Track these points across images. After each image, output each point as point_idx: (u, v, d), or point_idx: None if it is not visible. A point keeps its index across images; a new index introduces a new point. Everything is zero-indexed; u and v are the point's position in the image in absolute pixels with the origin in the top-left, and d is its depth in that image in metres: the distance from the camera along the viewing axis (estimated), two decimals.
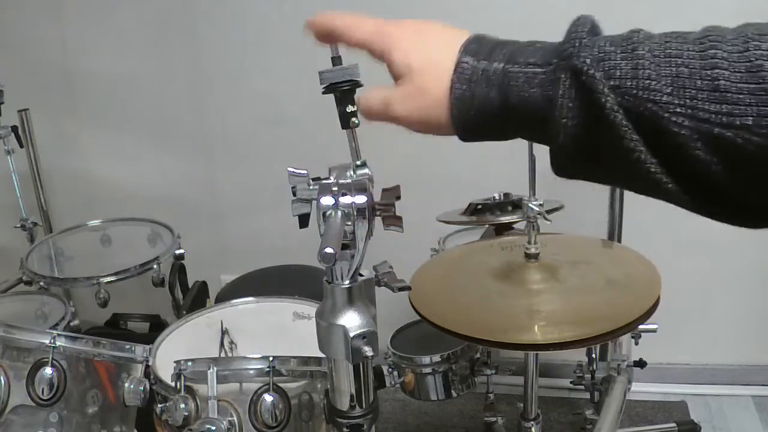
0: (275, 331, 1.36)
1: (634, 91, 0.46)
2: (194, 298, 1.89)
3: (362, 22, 0.61)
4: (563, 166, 0.52)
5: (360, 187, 0.69)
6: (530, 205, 1.36)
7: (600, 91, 0.46)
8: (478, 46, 0.55)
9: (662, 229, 1.85)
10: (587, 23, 0.51)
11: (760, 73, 0.43)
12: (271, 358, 1.12)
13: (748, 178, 0.44)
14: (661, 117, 0.45)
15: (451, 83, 0.54)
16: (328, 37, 0.65)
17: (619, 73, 0.46)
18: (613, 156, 0.48)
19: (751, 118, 0.42)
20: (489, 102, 0.53)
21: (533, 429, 1.64)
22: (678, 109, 0.45)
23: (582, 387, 1.84)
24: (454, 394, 1.65)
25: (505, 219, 1.62)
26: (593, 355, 1.82)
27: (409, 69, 0.57)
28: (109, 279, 1.74)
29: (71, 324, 1.62)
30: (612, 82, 0.46)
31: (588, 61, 0.47)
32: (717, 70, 0.44)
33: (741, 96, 0.43)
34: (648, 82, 0.45)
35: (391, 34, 0.59)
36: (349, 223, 0.68)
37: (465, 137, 0.56)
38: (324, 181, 0.70)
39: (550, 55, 0.51)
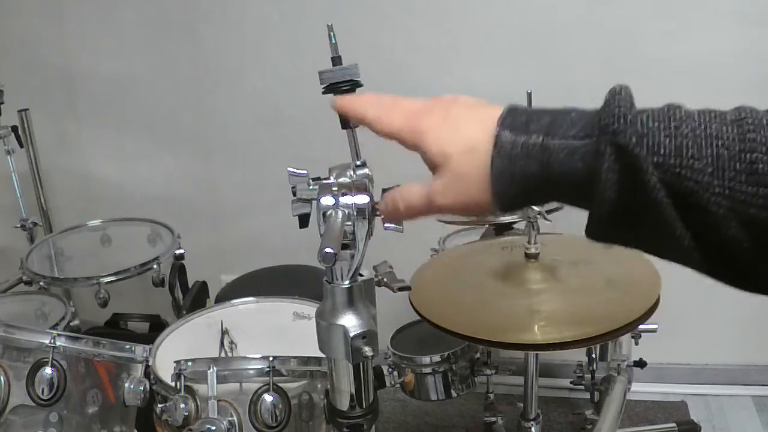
0: (275, 331, 1.36)
1: (677, 170, 0.47)
2: (194, 298, 1.89)
3: (391, 115, 0.61)
4: (598, 233, 0.53)
5: (360, 187, 0.69)
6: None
7: (645, 170, 0.48)
8: (513, 120, 0.55)
9: None
10: (627, 96, 0.52)
11: None
12: (271, 358, 1.12)
13: None
14: (701, 196, 0.47)
15: (491, 159, 0.54)
16: (355, 122, 0.65)
17: (663, 150, 0.48)
18: (649, 228, 0.50)
19: None
20: (530, 175, 0.53)
21: (533, 429, 1.64)
22: (717, 189, 0.47)
23: (582, 387, 1.84)
24: (454, 394, 1.65)
25: (505, 219, 1.62)
26: (593, 355, 1.82)
27: (446, 158, 0.57)
28: (109, 279, 1.74)
29: (71, 324, 1.62)
30: (655, 159, 0.48)
31: (634, 139, 0.48)
32: (756, 154, 0.46)
33: None
34: (691, 161, 0.47)
35: (422, 128, 0.59)
36: (349, 223, 0.68)
37: (505, 210, 0.57)
38: (324, 181, 0.70)
39: (591, 127, 0.51)
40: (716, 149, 0.47)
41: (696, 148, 0.47)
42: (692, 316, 2.11)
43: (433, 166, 0.59)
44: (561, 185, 0.52)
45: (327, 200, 0.68)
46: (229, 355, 1.28)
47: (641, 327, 1.38)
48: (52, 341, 1.22)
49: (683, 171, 0.47)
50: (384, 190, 0.68)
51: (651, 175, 0.48)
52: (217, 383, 1.10)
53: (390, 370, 1.65)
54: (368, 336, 0.69)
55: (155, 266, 1.80)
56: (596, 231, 0.53)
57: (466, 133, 0.56)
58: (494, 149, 0.54)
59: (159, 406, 1.16)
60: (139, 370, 1.25)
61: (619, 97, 0.51)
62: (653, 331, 1.52)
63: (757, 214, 0.46)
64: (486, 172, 0.54)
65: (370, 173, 0.72)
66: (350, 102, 0.65)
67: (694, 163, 0.47)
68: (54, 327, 1.56)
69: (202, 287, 1.96)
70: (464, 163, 0.56)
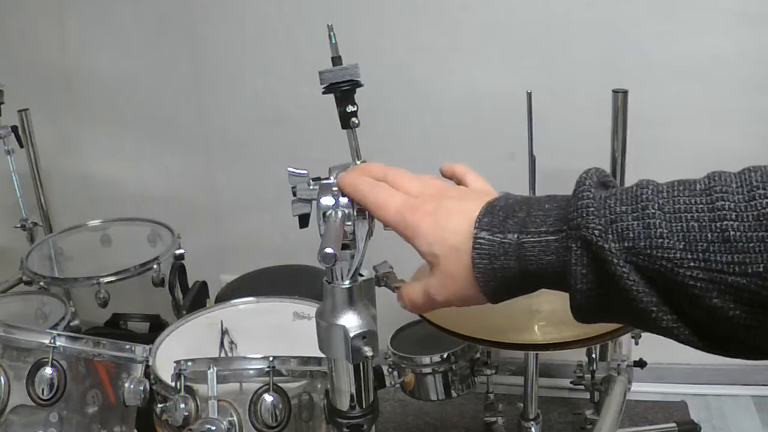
0: (275, 331, 1.36)
1: (648, 251, 0.48)
2: (194, 298, 1.89)
3: (387, 205, 0.63)
4: (582, 316, 0.55)
5: None
6: None
7: (610, 261, 0.48)
8: (491, 219, 0.57)
9: None
10: (592, 180, 0.53)
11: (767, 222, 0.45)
12: (271, 358, 1.13)
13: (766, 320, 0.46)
14: (676, 273, 0.47)
15: (472, 260, 0.57)
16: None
17: (632, 234, 0.48)
18: (628, 312, 0.50)
19: (762, 264, 0.44)
20: (510, 271, 0.56)
21: (533, 429, 1.64)
22: (692, 263, 0.46)
23: (582, 387, 1.84)
24: (454, 394, 1.65)
25: None
26: (593, 355, 1.82)
27: (435, 258, 0.60)
28: (109, 279, 1.74)
29: (71, 324, 1.61)
30: (625, 243, 0.48)
31: (597, 231, 0.49)
32: (726, 222, 0.46)
33: (751, 245, 0.45)
34: (661, 240, 0.47)
35: (412, 225, 0.61)
36: (349, 223, 0.68)
37: (496, 301, 0.60)
38: (324, 181, 0.70)
39: (560, 221, 0.53)
40: (686, 223, 0.47)
41: (665, 226, 0.47)
42: None
43: (428, 264, 0.61)
44: (539, 278, 0.55)
45: (327, 200, 0.68)
46: (229, 355, 1.28)
47: None
48: (52, 341, 1.22)
49: (654, 251, 0.47)
50: None
51: (617, 264, 0.48)
52: (217, 383, 1.10)
53: (390, 370, 1.65)
54: (368, 336, 0.69)
55: (155, 266, 1.80)
56: (578, 315, 0.55)
57: (451, 233, 0.59)
58: (473, 250, 0.57)
59: (159, 406, 1.16)
60: (139, 370, 1.25)
61: (585, 187, 0.52)
62: None
63: (737, 281, 0.45)
64: (470, 271, 0.57)
65: None
66: (351, 184, 0.66)
67: (664, 242, 0.47)
68: (54, 327, 1.56)
69: (202, 287, 1.96)
70: (451, 263, 0.59)
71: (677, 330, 0.49)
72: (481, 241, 0.56)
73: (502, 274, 0.56)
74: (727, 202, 0.46)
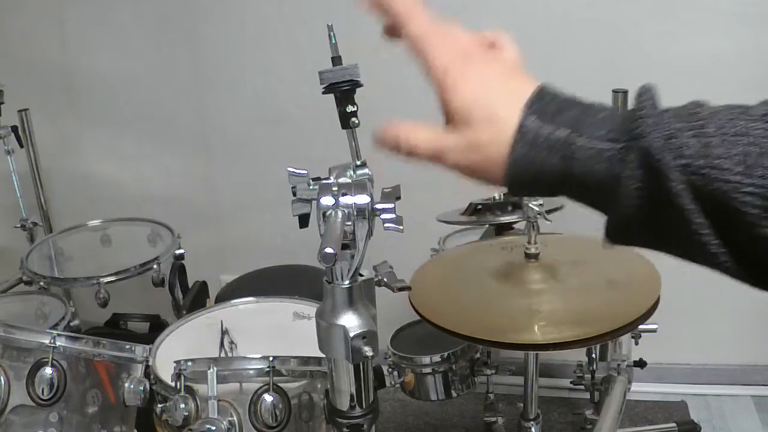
0: (275, 331, 1.36)
1: (705, 171, 0.46)
2: (194, 298, 1.89)
3: (437, 42, 0.57)
4: (618, 237, 0.52)
5: (360, 187, 0.69)
6: (530, 205, 1.36)
7: (668, 176, 0.47)
8: (542, 106, 0.53)
9: None
10: (653, 97, 0.51)
11: None
12: (271, 358, 1.12)
13: None
14: (731, 196, 0.45)
15: (512, 143, 0.52)
16: (391, 27, 0.61)
17: (690, 152, 0.46)
18: (673, 233, 0.48)
19: None
20: (549, 168, 0.52)
21: (533, 429, 1.64)
22: (749, 188, 0.45)
23: (582, 387, 1.84)
24: (454, 394, 1.65)
25: (505, 219, 1.62)
26: (593, 355, 1.82)
27: (467, 120, 0.54)
28: (109, 279, 1.74)
29: (71, 324, 1.62)
30: (682, 161, 0.46)
31: (659, 143, 0.47)
32: None
33: None
34: (719, 161, 0.46)
35: (456, 73, 0.56)
36: (349, 223, 0.68)
37: (513, 192, 0.56)
38: (324, 181, 0.71)
39: (619, 131, 0.50)
40: (744, 147, 0.45)
41: (723, 147, 0.46)
42: (692, 316, 2.11)
43: (451, 119, 0.56)
44: (578, 184, 0.51)
45: (327, 200, 0.68)
46: (229, 355, 1.28)
47: (641, 327, 1.39)
48: (52, 341, 1.22)
49: (711, 171, 0.46)
50: (384, 190, 0.68)
51: (675, 181, 0.46)
52: (217, 383, 1.09)
53: (390, 370, 1.65)
54: (368, 336, 0.70)
55: (155, 266, 1.80)
56: (616, 235, 0.52)
57: (495, 105, 0.54)
58: (517, 132, 0.52)
59: (159, 406, 1.16)
60: (139, 370, 1.25)
61: (645, 99, 0.50)
62: (653, 331, 1.52)
63: None
64: (503, 150, 0.53)
65: (370, 173, 0.72)
66: (408, 5, 0.59)
67: (723, 163, 0.45)
68: (54, 327, 1.56)
69: (202, 287, 1.96)
70: (484, 134, 0.54)
71: (722, 257, 0.47)
72: (529, 125, 0.52)
73: (539, 167, 0.52)
74: None
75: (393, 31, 0.62)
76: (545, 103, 0.53)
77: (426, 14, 0.59)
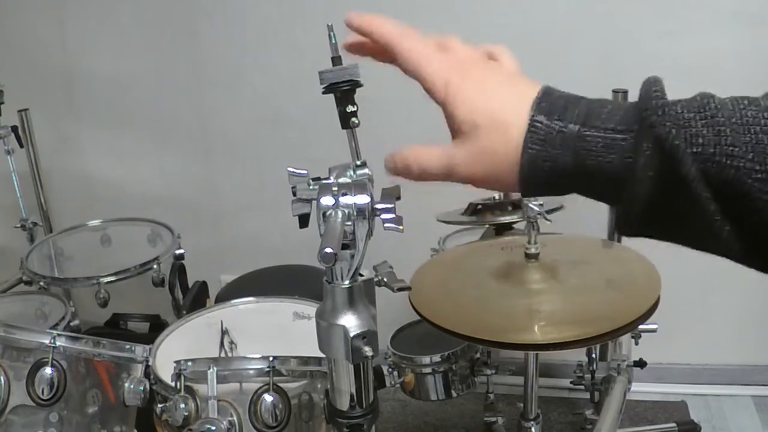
0: (275, 331, 1.36)
1: (717, 158, 0.47)
2: (194, 298, 1.89)
3: (430, 59, 0.58)
4: (631, 228, 0.52)
5: (360, 187, 0.69)
6: (530, 205, 1.36)
7: (684, 161, 0.47)
8: (549, 104, 0.53)
9: None
10: (661, 88, 0.51)
11: None
12: (271, 358, 1.12)
13: None
14: (743, 183, 0.46)
15: (524, 143, 0.52)
16: (379, 52, 0.61)
17: (702, 140, 0.47)
18: (686, 222, 0.49)
19: None
20: (562, 164, 0.52)
21: (533, 429, 1.64)
22: (760, 175, 0.46)
23: (582, 387, 1.84)
24: (454, 394, 1.65)
25: (505, 219, 1.62)
26: (593, 355, 1.82)
27: (474, 128, 0.55)
28: (109, 279, 1.74)
29: (71, 324, 1.61)
30: (694, 149, 0.47)
31: (673, 130, 0.48)
32: None
33: None
34: (731, 149, 0.47)
35: (455, 86, 0.56)
36: (349, 223, 0.68)
37: (527, 194, 0.56)
38: (324, 181, 0.70)
39: (630, 121, 0.50)
40: (755, 135, 0.46)
41: (734, 136, 0.47)
42: (692, 316, 2.12)
43: (458, 131, 0.56)
44: (592, 178, 0.51)
45: (327, 200, 0.68)
46: (229, 355, 1.28)
47: (641, 327, 1.39)
48: (52, 341, 1.22)
49: (724, 159, 0.46)
50: (384, 190, 0.68)
51: (690, 167, 0.47)
52: (217, 383, 1.09)
53: (390, 370, 1.65)
54: (368, 336, 0.70)
55: (155, 266, 1.80)
56: (629, 226, 0.52)
57: (500, 109, 0.54)
58: (528, 132, 0.52)
59: (159, 406, 1.16)
60: (139, 370, 1.25)
61: (655, 88, 0.51)
62: (653, 331, 1.52)
63: None
64: (516, 153, 0.53)
65: (370, 173, 0.72)
66: (397, 30, 0.59)
67: (734, 151, 0.46)
68: (54, 327, 1.56)
69: (202, 287, 1.96)
70: (494, 140, 0.54)
71: (734, 244, 0.48)
72: (538, 124, 0.52)
73: (552, 164, 0.52)
74: None
75: (381, 53, 0.62)
76: (552, 102, 0.53)
77: (416, 33, 0.59)
